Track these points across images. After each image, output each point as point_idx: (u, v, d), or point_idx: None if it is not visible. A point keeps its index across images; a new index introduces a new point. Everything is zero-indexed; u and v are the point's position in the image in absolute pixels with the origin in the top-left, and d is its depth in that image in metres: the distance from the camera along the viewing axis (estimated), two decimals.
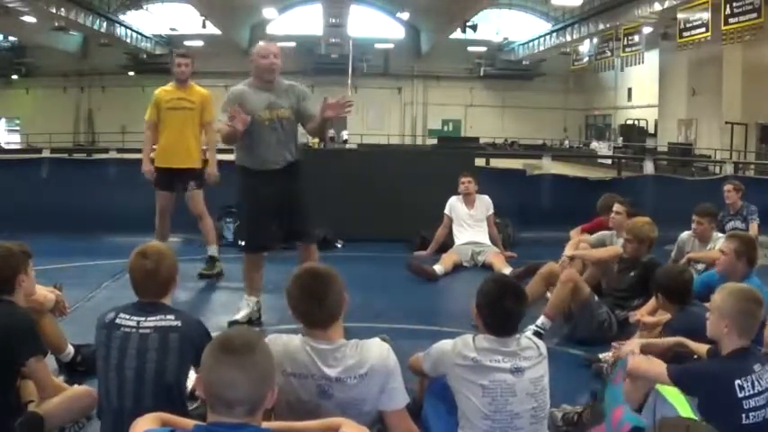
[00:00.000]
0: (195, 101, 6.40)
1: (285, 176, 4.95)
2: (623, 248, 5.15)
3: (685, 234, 6.00)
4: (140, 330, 2.81)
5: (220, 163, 6.50)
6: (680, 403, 2.78)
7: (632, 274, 5.04)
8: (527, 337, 3.01)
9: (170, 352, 2.79)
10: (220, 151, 6.56)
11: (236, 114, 4.60)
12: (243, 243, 5.11)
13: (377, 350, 2.75)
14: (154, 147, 6.56)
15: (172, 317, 2.86)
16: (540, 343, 2.98)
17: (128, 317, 2.85)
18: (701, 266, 5.37)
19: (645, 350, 3.36)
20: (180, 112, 6.37)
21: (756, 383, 2.80)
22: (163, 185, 6.46)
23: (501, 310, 2.86)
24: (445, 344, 2.94)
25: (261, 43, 5.06)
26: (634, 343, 3.43)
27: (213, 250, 6.61)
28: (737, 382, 2.79)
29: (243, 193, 5.13)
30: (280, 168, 4.94)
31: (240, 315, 5.02)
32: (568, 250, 5.82)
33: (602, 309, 4.89)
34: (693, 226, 5.84)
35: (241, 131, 4.66)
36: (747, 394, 2.78)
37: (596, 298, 4.97)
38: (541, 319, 4.76)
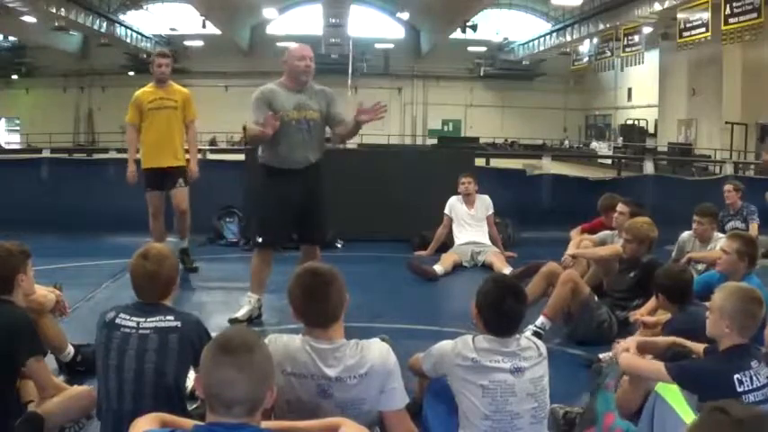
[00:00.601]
0: (177, 100, 6.45)
1: (306, 178, 5.00)
2: (623, 249, 5.13)
3: (686, 234, 5.99)
4: (140, 331, 2.81)
5: (221, 163, 6.51)
6: (679, 405, 2.77)
7: (632, 274, 5.01)
8: (527, 337, 3.01)
9: (169, 352, 2.79)
10: (221, 151, 6.58)
11: (268, 120, 4.64)
12: (259, 239, 5.09)
13: (377, 350, 2.74)
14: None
15: (171, 317, 2.86)
16: (540, 343, 2.98)
17: (128, 317, 2.85)
18: (701, 266, 5.36)
19: (642, 348, 3.36)
20: (164, 112, 6.40)
21: (755, 379, 2.82)
22: (154, 185, 6.49)
23: (501, 310, 2.86)
24: (445, 344, 2.94)
25: (295, 45, 5.11)
26: (631, 340, 3.43)
27: (186, 243, 6.80)
28: (737, 376, 2.81)
29: (262, 190, 5.16)
30: (301, 169, 4.98)
31: (241, 313, 5.04)
32: (571, 249, 5.82)
33: (602, 309, 4.89)
34: (694, 226, 5.84)
35: (269, 136, 4.71)
36: (747, 389, 2.79)
37: (596, 298, 4.97)
38: (541, 320, 4.74)
